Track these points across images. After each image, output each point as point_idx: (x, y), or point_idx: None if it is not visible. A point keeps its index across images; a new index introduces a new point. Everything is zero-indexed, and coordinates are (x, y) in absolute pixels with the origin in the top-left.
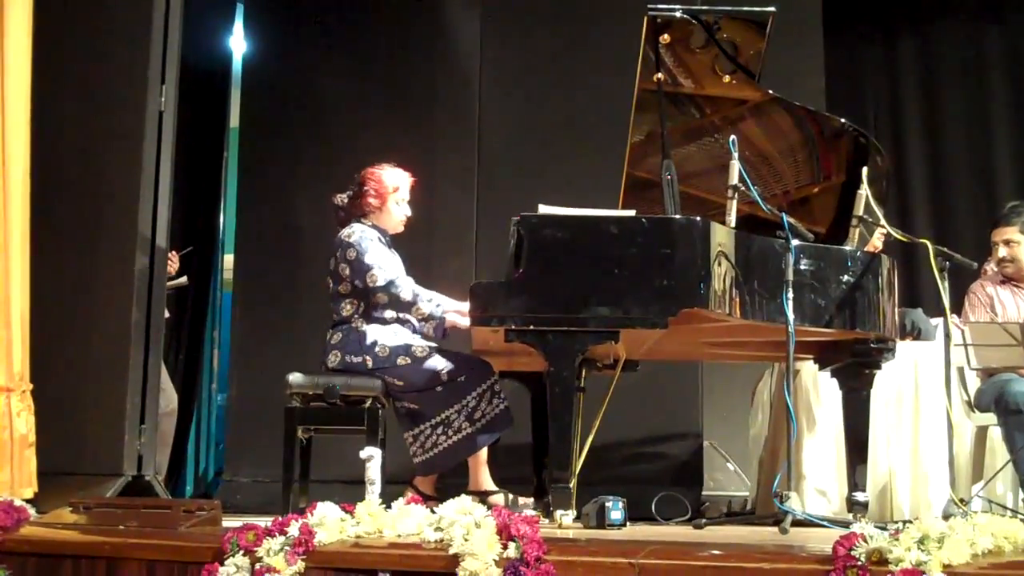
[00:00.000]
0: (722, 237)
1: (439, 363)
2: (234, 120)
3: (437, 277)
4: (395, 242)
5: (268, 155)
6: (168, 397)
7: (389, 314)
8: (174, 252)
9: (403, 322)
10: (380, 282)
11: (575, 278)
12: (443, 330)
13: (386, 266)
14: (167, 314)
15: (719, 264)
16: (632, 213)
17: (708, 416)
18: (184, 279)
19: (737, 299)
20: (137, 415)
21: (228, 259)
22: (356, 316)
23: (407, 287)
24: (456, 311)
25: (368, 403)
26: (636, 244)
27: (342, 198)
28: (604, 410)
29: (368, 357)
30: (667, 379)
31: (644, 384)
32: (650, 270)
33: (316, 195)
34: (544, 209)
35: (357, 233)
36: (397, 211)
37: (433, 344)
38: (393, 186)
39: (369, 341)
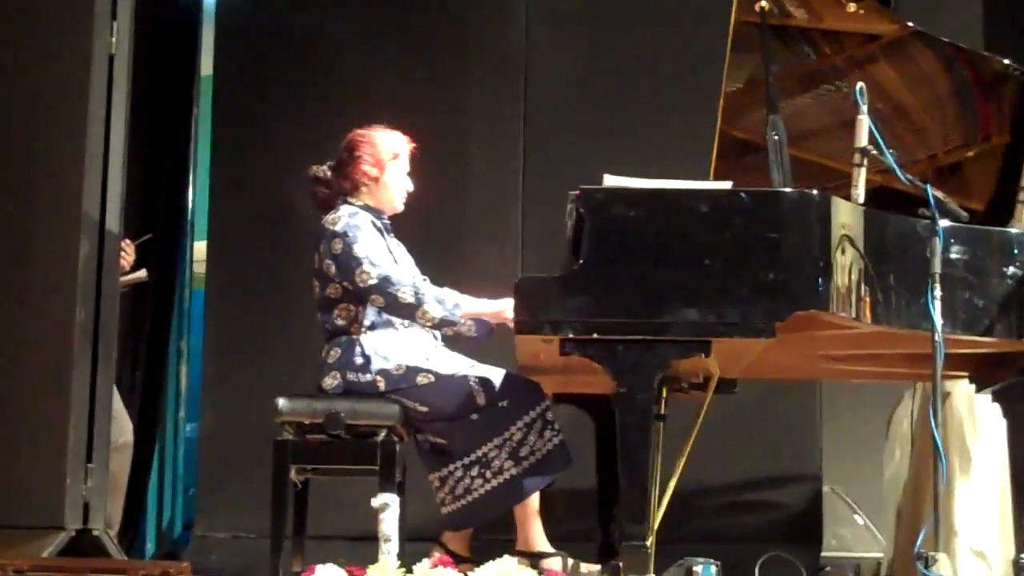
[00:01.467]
0: (846, 216)
1: (474, 382)
2: (206, 68)
3: (470, 271)
4: (410, 225)
5: (250, 114)
6: (121, 427)
7: (398, 318)
8: (128, 240)
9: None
10: (373, 279)
11: (653, 271)
12: (489, 325)
13: (379, 259)
14: (120, 318)
15: (842, 252)
16: (728, 185)
17: (829, 453)
18: (143, 273)
19: (867, 298)
20: (83, 451)
21: (199, 248)
22: (356, 325)
23: (408, 285)
24: (486, 313)
25: (381, 436)
26: (733, 226)
27: (324, 169)
28: (691, 445)
29: (378, 377)
30: (774, 404)
31: (744, 410)
32: (752, 261)
33: (309, 162)
34: (611, 180)
35: (344, 218)
36: (397, 184)
37: (465, 360)
38: (392, 152)
39: (379, 355)
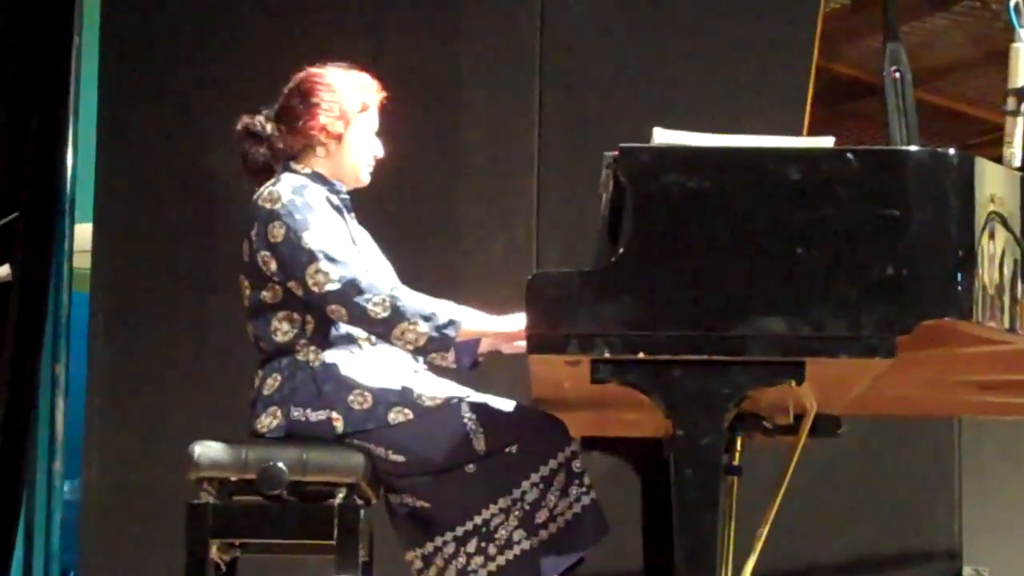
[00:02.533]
0: (997, 186)
1: (470, 420)
2: (90, 6)
3: (467, 268)
4: (381, 205)
5: (148, 58)
6: None
7: (364, 332)
8: None
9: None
10: (332, 283)
11: (722, 264)
12: (475, 356)
13: (341, 252)
14: None
15: (991, 236)
16: (829, 142)
17: (971, 521)
18: (5, 269)
19: None
20: None
21: (82, 233)
22: (303, 341)
23: (382, 294)
24: (494, 331)
25: (339, 497)
26: (836, 200)
27: (260, 121)
28: (777, 507)
29: (335, 414)
30: (895, 452)
31: (853, 461)
32: (863, 249)
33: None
34: (663, 136)
35: (287, 192)
36: (364, 147)
37: (457, 388)
38: (361, 101)
39: (336, 384)
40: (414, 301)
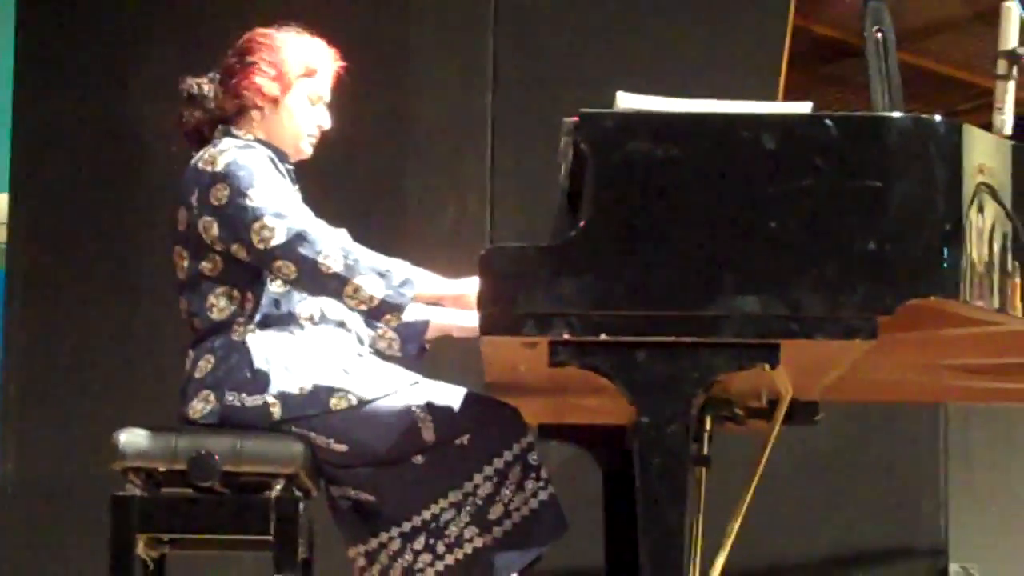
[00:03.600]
0: (986, 155)
1: (418, 408)
2: None
3: (416, 240)
4: (324, 173)
5: (69, 11)
6: None
7: (307, 309)
8: None
9: (339, 324)
10: (279, 238)
11: (691, 238)
12: (421, 341)
13: (287, 207)
14: None
15: (979, 209)
16: (806, 108)
17: (958, 515)
18: None
19: (1016, 279)
20: None
21: None
22: (241, 319)
23: (334, 246)
24: (448, 296)
25: (277, 489)
26: (813, 169)
27: (200, 83)
28: (750, 501)
29: (273, 399)
30: (876, 441)
31: (831, 451)
32: (842, 223)
33: (162, 87)
34: (627, 101)
35: (229, 154)
36: (304, 115)
37: (404, 374)
38: (304, 65)
39: (274, 366)
40: (368, 257)
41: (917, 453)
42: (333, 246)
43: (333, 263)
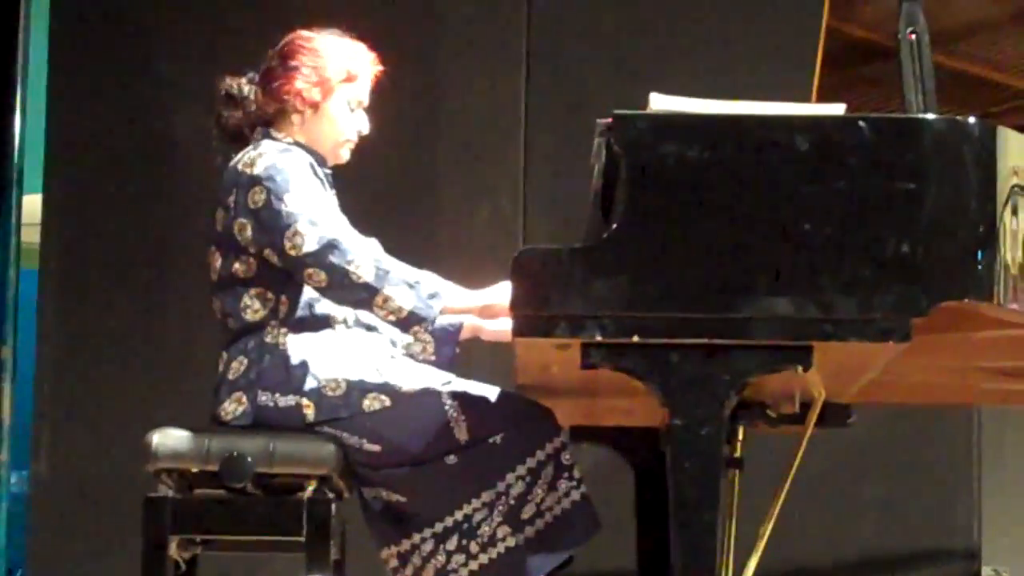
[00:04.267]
0: (1020, 157)
1: (451, 408)
2: None
3: (447, 243)
4: (354, 176)
5: (102, 17)
6: None
7: (340, 312)
8: None
9: (370, 328)
10: (311, 244)
11: (724, 240)
12: (453, 346)
13: (321, 215)
14: None
15: (1015, 212)
16: (840, 110)
17: (991, 518)
18: None
19: None
20: None
21: (31, 205)
22: (274, 322)
23: (365, 256)
24: (476, 308)
25: (309, 490)
26: (847, 170)
27: (241, 83)
28: (782, 503)
29: (306, 400)
30: (909, 444)
31: (864, 453)
32: (876, 225)
33: (194, 88)
34: (660, 103)
35: (270, 155)
36: (345, 121)
37: (437, 374)
38: (346, 70)
39: (307, 367)
40: (398, 268)
41: (951, 456)
42: (364, 256)
43: (364, 273)
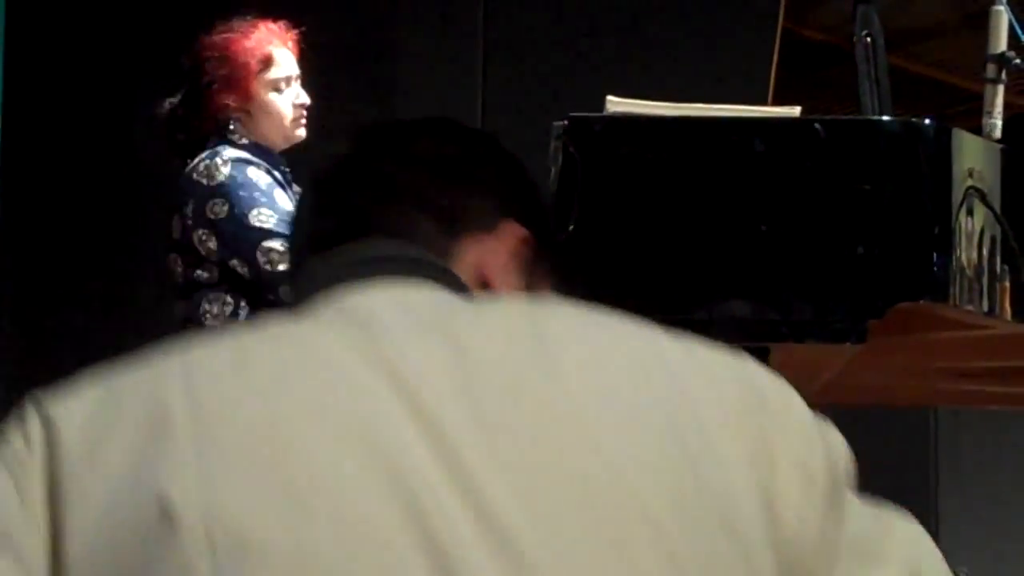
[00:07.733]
0: (975, 159)
1: None
2: None
3: None
4: (307, 176)
5: (59, 11)
6: None
7: None
8: None
9: None
10: (286, 263)
11: (679, 243)
12: None
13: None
14: None
15: (969, 212)
16: (795, 112)
17: (949, 519)
18: None
19: (1006, 283)
20: None
21: None
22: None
23: None
24: None
25: None
26: (802, 172)
27: (173, 103)
28: None
29: None
30: (866, 445)
31: None
32: (831, 225)
33: (155, 87)
34: (616, 105)
35: (226, 167)
36: (283, 103)
37: None
38: (260, 57)
39: None
40: None
41: (907, 457)
42: None
43: None
